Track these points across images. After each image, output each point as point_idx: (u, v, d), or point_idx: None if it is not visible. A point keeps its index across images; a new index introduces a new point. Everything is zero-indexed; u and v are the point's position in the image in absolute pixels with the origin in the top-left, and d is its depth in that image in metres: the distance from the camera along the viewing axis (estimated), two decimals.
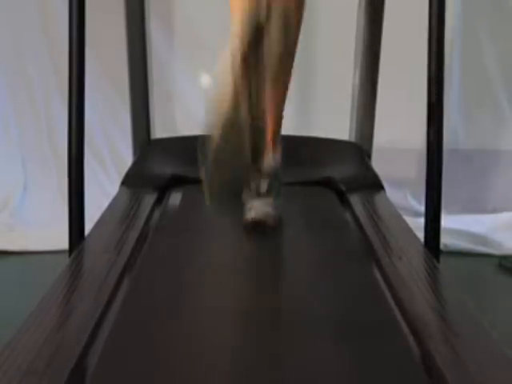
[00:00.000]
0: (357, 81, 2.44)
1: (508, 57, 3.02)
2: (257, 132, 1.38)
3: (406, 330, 1.25)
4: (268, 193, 1.68)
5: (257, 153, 1.45)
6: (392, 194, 2.28)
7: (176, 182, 2.10)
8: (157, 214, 1.88)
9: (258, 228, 1.65)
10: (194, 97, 3.04)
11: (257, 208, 1.66)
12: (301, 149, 2.25)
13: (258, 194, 1.68)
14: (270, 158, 1.68)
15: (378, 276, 1.48)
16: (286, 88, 1.68)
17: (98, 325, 1.24)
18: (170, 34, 3.02)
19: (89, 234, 1.71)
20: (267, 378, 1.09)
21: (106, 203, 1.95)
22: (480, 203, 3.01)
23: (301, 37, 1.65)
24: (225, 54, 1.31)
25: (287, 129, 1.79)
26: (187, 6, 2.99)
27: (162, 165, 2.21)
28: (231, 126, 1.35)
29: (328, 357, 1.17)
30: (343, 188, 2.05)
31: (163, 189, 2.05)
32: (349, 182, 2.09)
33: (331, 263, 1.55)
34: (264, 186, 1.67)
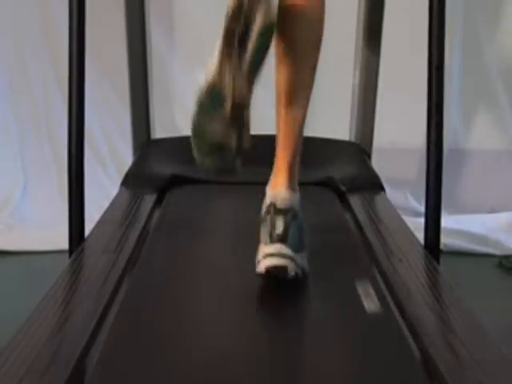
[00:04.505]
0: (357, 81, 2.44)
1: (508, 57, 3.02)
2: (237, 110, 1.33)
3: (405, 330, 1.26)
4: (285, 237, 1.36)
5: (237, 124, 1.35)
6: (392, 194, 2.28)
7: (176, 181, 2.10)
8: (157, 213, 1.88)
9: (275, 276, 1.37)
10: (194, 97, 3.04)
11: (271, 254, 1.35)
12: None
13: (272, 237, 1.36)
14: (284, 190, 1.41)
15: (378, 277, 1.48)
16: (302, 110, 1.46)
17: (98, 325, 1.24)
18: (170, 33, 3.02)
19: (89, 234, 1.71)
20: None
21: (106, 203, 1.95)
22: (480, 203, 3.01)
23: None
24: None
25: None
26: (187, 5, 2.99)
27: (161, 165, 2.21)
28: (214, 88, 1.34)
29: (327, 356, 1.17)
30: (343, 188, 2.05)
31: (163, 189, 2.05)
32: (349, 182, 2.09)
33: (331, 264, 1.55)
34: (280, 225, 1.37)
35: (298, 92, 1.44)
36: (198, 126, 1.36)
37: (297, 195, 1.43)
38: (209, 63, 1.36)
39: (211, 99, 1.34)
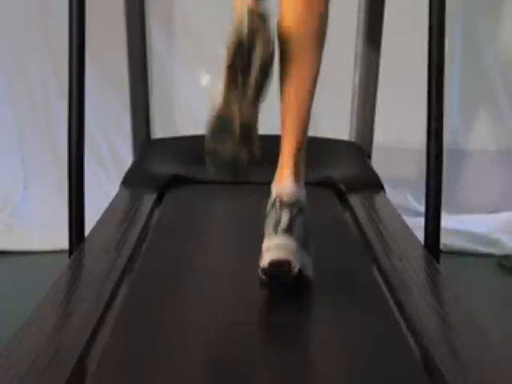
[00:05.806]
0: (357, 81, 2.44)
1: (508, 57, 3.02)
2: (245, 125, 1.42)
3: (405, 330, 1.26)
4: (290, 229, 1.36)
5: (247, 140, 1.44)
6: (392, 194, 2.28)
7: (176, 181, 2.10)
8: (157, 214, 1.88)
9: (278, 273, 1.33)
10: (194, 97, 3.04)
11: (275, 247, 1.34)
12: None
13: (276, 230, 1.36)
14: (289, 184, 1.41)
15: (378, 277, 1.48)
16: (307, 95, 1.49)
17: (98, 325, 1.24)
18: (170, 34, 3.02)
19: (89, 235, 1.71)
20: None
21: (105, 203, 1.95)
22: (480, 203, 3.01)
23: None
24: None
25: None
26: (187, 6, 2.99)
27: (161, 165, 2.21)
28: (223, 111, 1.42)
29: (328, 357, 1.17)
30: (343, 188, 2.05)
31: (163, 189, 2.05)
32: (349, 182, 2.09)
33: (331, 263, 1.55)
34: (285, 220, 1.37)
35: (300, 92, 1.49)
36: (210, 148, 1.43)
37: (303, 191, 1.44)
38: (214, 92, 1.44)
39: (221, 126, 1.42)
